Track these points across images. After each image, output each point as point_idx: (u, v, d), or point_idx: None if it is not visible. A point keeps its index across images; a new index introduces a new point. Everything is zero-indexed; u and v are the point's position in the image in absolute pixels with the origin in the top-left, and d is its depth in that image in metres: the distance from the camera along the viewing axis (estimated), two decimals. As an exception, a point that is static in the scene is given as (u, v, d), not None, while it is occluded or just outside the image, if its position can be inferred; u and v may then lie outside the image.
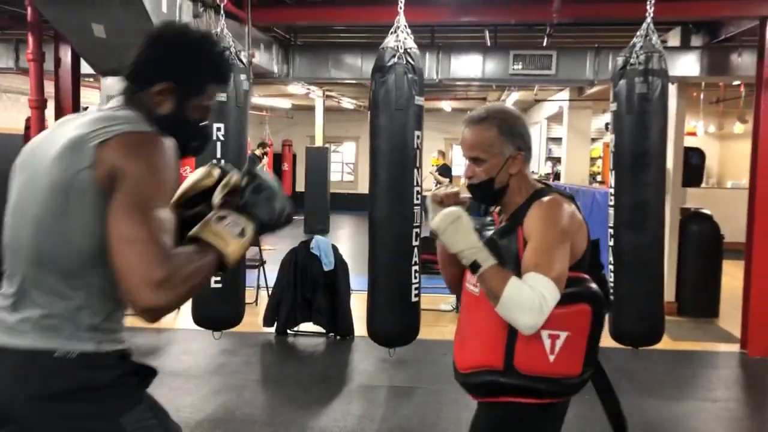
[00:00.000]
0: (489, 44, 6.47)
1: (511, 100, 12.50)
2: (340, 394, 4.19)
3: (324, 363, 4.92)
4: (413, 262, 3.42)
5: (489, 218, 1.85)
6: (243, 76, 3.77)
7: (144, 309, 1.25)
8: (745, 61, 5.71)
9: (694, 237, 6.20)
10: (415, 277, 3.44)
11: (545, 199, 1.68)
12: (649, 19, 3.48)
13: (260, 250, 6.32)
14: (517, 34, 6.81)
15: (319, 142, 12.94)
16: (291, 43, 6.40)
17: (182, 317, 5.77)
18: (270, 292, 5.62)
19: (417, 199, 3.42)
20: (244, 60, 3.83)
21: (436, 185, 9.48)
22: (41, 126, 5.72)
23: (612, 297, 3.50)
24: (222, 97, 3.69)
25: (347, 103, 13.67)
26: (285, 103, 14.17)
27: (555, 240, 1.60)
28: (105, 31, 3.81)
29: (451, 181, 9.44)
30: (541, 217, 1.63)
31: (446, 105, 13.85)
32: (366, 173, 3.54)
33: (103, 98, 4.20)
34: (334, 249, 5.47)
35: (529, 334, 1.57)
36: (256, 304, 6.10)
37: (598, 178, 14.55)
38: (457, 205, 1.75)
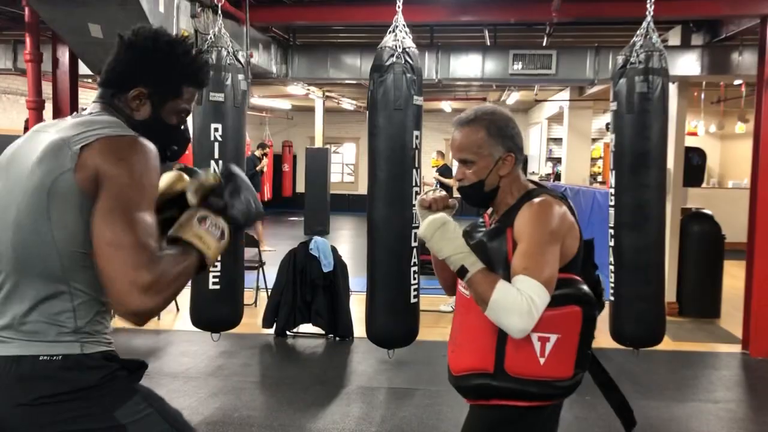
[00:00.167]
0: (488, 44, 6.45)
1: (511, 100, 12.48)
2: (339, 395, 4.17)
3: (323, 365, 4.89)
4: (412, 263, 3.40)
5: (480, 220, 1.83)
6: (241, 76, 3.75)
7: (132, 312, 1.25)
8: (746, 60, 5.68)
9: (695, 237, 6.17)
10: (415, 278, 3.42)
11: (536, 200, 1.66)
12: (649, 18, 3.46)
13: (259, 251, 6.30)
14: (517, 33, 6.79)
15: (319, 143, 12.92)
16: (290, 43, 6.38)
17: (181, 319, 5.75)
18: (269, 294, 5.60)
19: (416, 199, 3.39)
20: (242, 60, 3.81)
21: (437, 186, 9.46)
22: (39, 127, 5.72)
23: (611, 298, 3.48)
24: (219, 97, 3.67)
25: (347, 103, 13.65)
26: (285, 104, 14.15)
27: (544, 242, 1.58)
28: (102, 31, 3.80)
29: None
30: (530, 219, 1.62)
31: (446, 105, 13.83)
32: (366, 174, 3.52)
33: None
34: (333, 250, 5.45)
35: (519, 337, 1.56)
36: (255, 306, 6.08)
37: (599, 178, 14.54)
38: (446, 208, 1.74)
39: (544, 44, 6.39)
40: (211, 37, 3.73)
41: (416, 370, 4.58)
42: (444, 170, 9.96)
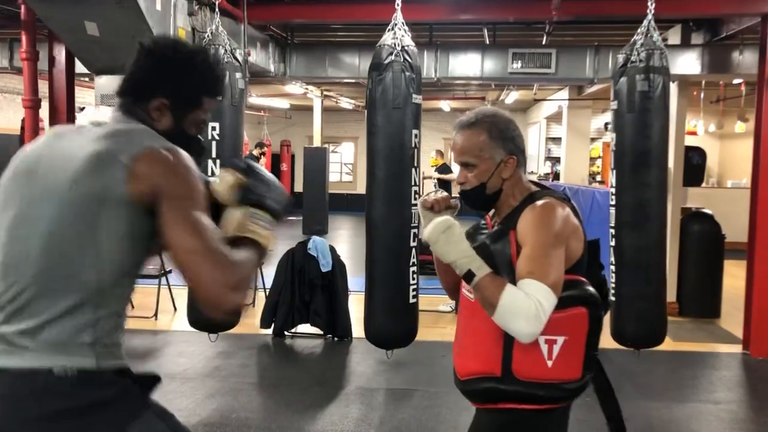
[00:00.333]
0: (488, 42, 6.42)
1: (510, 99, 12.46)
2: (337, 397, 4.14)
3: (321, 365, 4.87)
4: (411, 263, 3.37)
5: (482, 222, 1.81)
6: (239, 75, 3.73)
7: (228, 311, 1.32)
8: (746, 59, 5.66)
9: (695, 237, 6.15)
10: (414, 278, 3.40)
11: (539, 203, 1.64)
12: (650, 16, 3.44)
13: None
14: (516, 32, 6.76)
15: (317, 142, 12.89)
16: (288, 42, 6.34)
17: (178, 319, 5.72)
18: (267, 294, 5.56)
19: (415, 199, 3.37)
20: (240, 59, 3.78)
21: (436, 186, 9.44)
22: (35, 125, 5.67)
23: (613, 298, 3.45)
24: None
25: (345, 103, 13.62)
26: (283, 104, 14.12)
27: (549, 245, 1.57)
28: (98, 29, 3.76)
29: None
30: (534, 222, 1.60)
31: (445, 105, 13.81)
32: (365, 173, 3.49)
33: (97, 97, 4.13)
34: (332, 250, 5.43)
35: (527, 341, 1.54)
36: (253, 306, 6.04)
37: (598, 177, 14.53)
38: (448, 209, 1.72)
39: (543, 43, 6.36)
40: (208, 36, 3.70)
41: (415, 371, 4.56)
42: (443, 169, 9.95)
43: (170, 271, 5.54)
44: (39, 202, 1.34)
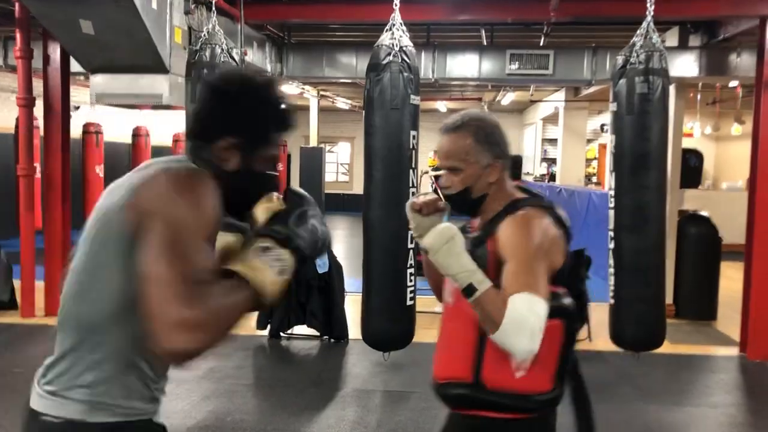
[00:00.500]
0: (485, 43, 6.41)
1: (506, 100, 12.46)
2: (334, 399, 4.11)
3: (318, 367, 4.84)
4: (409, 264, 3.35)
5: (468, 224, 1.78)
6: (235, 74, 3.69)
7: (169, 353, 1.14)
8: (744, 62, 5.66)
9: (692, 239, 6.15)
10: (411, 280, 3.37)
11: (519, 213, 1.60)
12: (649, 18, 3.42)
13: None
14: (514, 33, 6.75)
15: (313, 142, 12.87)
16: (284, 42, 6.32)
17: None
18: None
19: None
20: (237, 58, 3.76)
21: (433, 184, 9.42)
22: (29, 124, 5.64)
23: (612, 301, 3.44)
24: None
25: (342, 103, 13.60)
26: (279, 103, 14.08)
27: (532, 258, 1.54)
28: (93, 27, 3.73)
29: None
30: (514, 235, 1.57)
31: (441, 105, 13.79)
32: (361, 174, 3.46)
33: (92, 96, 4.10)
34: (328, 251, 5.40)
35: (526, 358, 1.51)
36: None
37: (594, 179, 14.54)
38: (437, 211, 1.68)
39: (541, 44, 6.35)
40: (204, 35, 3.67)
41: (412, 373, 4.53)
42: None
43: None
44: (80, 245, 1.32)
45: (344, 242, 11.23)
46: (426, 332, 5.24)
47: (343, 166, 18.05)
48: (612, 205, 3.47)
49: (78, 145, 8.05)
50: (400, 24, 3.38)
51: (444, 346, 1.73)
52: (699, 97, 9.53)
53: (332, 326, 5.22)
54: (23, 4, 4.27)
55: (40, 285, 5.63)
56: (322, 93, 12.08)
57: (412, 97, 3.33)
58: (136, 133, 10.98)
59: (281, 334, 5.30)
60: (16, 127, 6.03)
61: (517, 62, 5.97)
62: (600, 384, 4.14)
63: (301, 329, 5.34)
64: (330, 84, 10.82)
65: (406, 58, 3.33)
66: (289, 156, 16.55)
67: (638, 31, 3.44)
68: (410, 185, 3.36)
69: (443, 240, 1.53)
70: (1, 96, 10.33)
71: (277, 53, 6.20)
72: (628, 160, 3.39)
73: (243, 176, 1.35)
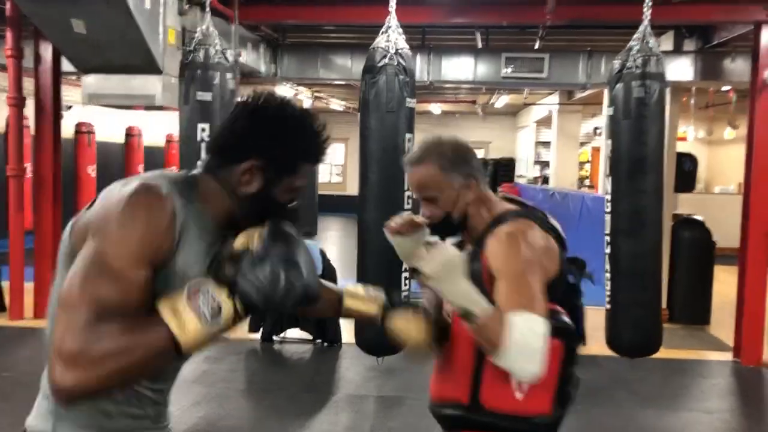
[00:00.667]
0: (480, 46, 6.39)
1: (500, 103, 12.47)
2: (327, 404, 4.07)
3: (311, 371, 4.80)
4: (404, 268, 3.32)
5: (459, 239, 1.74)
6: (229, 75, 3.68)
7: (58, 389, 1.04)
8: (738, 66, 5.67)
9: (685, 243, 6.15)
10: (405, 284, 3.34)
11: (502, 229, 1.55)
12: (646, 22, 3.41)
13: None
14: (509, 36, 6.74)
15: (307, 143, 12.81)
16: (279, 43, 6.28)
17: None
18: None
19: (408, 203, 3.32)
20: (231, 59, 3.72)
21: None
22: (20, 124, 5.58)
23: (608, 306, 3.42)
24: (207, 96, 3.60)
25: (336, 104, 13.57)
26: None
27: (524, 274, 1.48)
28: (85, 27, 3.68)
29: None
30: (501, 254, 1.52)
31: (435, 108, 13.79)
32: (355, 175, 3.44)
33: (84, 96, 4.05)
34: (322, 254, 5.36)
35: (532, 381, 1.46)
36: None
37: (587, 182, 14.57)
38: (416, 229, 1.64)
39: (536, 47, 6.34)
40: (198, 35, 3.63)
41: (406, 378, 4.50)
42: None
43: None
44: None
45: (337, 243, 11.20)
46: (420, 336, 5.22)
47: (337, 167, 18.02)
48: (608, 209, 3.46)
49: (70, 144, 7.98)
50: (396, 26, 3.35)
51: (441, 365, 1.69)
52: (693, 101, 9.55)
53: (325, 330, 5.18)
54: (15, 2, 4.22)
55: (29, 287, 5.57)
56: (316, 94, 12.06)
57: (408, 100, 3.31)
58: (129, 133, 10.90)
59: (274, 337, 5.26)
60: (7, 126, 5.97)
61: (512, 65, 5.96)
62: (594, 388, 4.12)
63: (294, 333, 5.29)
64: (324, 85, 10.78)
65: (402, 61, 3.31)
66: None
67: (635, 36, 3.43)
68: (405, 188, 3.33)
69: (448, 268, 1.47)
70: (-8, 95, 10.24)
71: (272, 54, 6.17)
72: (625, 165, 3.38)
73: (258, 201, 1.26)
